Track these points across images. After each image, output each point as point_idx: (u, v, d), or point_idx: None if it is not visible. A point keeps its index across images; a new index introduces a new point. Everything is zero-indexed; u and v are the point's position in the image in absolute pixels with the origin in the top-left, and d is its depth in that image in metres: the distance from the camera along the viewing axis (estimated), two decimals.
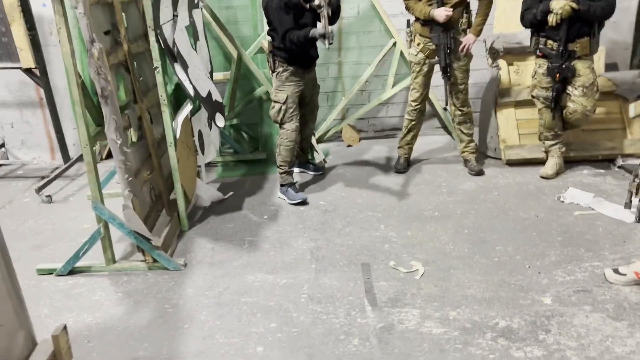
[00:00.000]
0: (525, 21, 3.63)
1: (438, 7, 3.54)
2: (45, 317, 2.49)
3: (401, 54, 4.68)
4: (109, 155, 4.64)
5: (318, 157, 4.37)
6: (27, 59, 3.87)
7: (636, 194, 2.27)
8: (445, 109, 4.78)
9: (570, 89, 3.62)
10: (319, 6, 3.21)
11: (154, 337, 2.35)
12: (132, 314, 2.51)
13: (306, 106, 3.82)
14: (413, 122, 4.04)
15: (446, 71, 3.66)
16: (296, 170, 4.08)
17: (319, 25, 3.31)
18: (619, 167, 3.87)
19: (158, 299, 2.62)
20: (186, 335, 2.34)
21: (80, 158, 4.39)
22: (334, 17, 3.39)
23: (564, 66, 3.54)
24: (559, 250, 2.86)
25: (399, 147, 4.16)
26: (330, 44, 3.21)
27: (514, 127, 4.13)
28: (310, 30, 3.30)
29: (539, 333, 2.24)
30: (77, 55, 2.79)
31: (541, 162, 3.90)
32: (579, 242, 2.94)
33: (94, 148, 2.85)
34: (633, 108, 2.44)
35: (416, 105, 3.97)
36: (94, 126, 2.91)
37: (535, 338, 2.21)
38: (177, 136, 3.13)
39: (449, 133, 4.76)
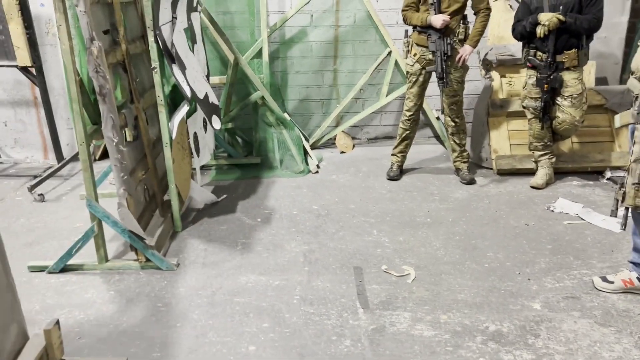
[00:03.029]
0: (516, 33, 3.71)
1: (435, 14, 3.61)
2: (37, 313, 2.48)
3: (396, 63, 4.74)
4: (102, 157, 4.63)
5: (312, 163, 4.40)
6: (23, 57, 3.87)
7: (622, 202, 2.31)
8: (438, 119, 4.85)
9: (559, 99, 3.70)
10: None
11: (146, 335, 2.34)
12: (124, 312, 2.50)
13: None
14: (407, 131, 4.09)
15: (442, 78, 3.71)
16: None
17: None
18: (607, 179, 3.93)
19: (150, 298, 2.62)
20: (178, 334, 2.34)
21: (73, 158, 4.38)
22: None
23: (551, 77, 3.62)
24: (548, 258, 2.90)
25: (392, 155, 4.20)
26: None
27: (506, 138, 4.20)
28: None
29: (528, 337, 2.27)
30: (75, 53, 2.80)
31: (531, 172, 3.96)
32: (568, 250, 2.98)
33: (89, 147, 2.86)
34: (618, 119, 2.50)
35: (410, 115, 4.02)
36: (90, 124, 2.92)
37: (524, 342, 2.24)
38: (173, 137, 3.14)
39: (442, 143, 4.82)
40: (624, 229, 2.39)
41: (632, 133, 2.35)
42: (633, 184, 2.27)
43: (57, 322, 2.11)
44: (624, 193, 2.31)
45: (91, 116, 2.91)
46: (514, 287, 2.64)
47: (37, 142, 4.65)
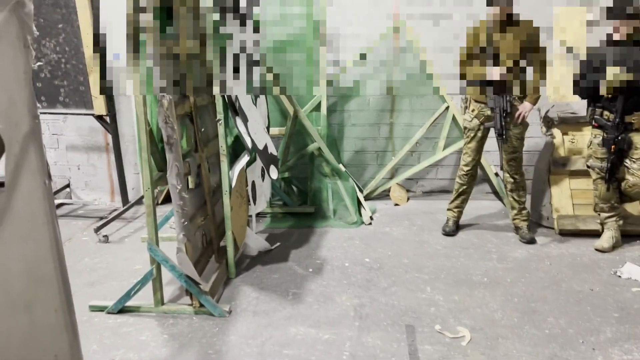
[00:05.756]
0: (579, 91, 3.61)
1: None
2: (94, 353, 2.55)
3: (453, 117, 4.74)
4: (164, 201, 4.82)
5: (365, 214, 4.40)
6: (100, 106, 4.16)
7: None
8: (496, 175, 4.76)
9: (628, 162, 3.55)
10: None
11: None
12: (176, 357, 2.54)
13: None
14: (464, 186, 4.03)
15: (501, 134, 3.67)
16: None
17: None
18: None
19: (202, 344, 2.65)
20: None
21: (138, 201, 4.59)
22: None
23: (619, 138, 3.49)
24: (615, 327, 2.73)
25: (448, 210, 4.14)
26: None
27: (568, 197, 4.05)
28: None
29: None
30: (147, 104, 2.99)
31: (596, 234, 3.78)
32: (637, 319, 2.79)
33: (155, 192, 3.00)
34: None
35: (468, 170, 3.97)
36: (156, 171, 3.07)
37: None
38: (233, 185, 3.24)
39: (500, 199, 4.71)
40: None
41: None
42: None
43: None
44: None
45: (157, 163, 3.07)
46: (576, 357, 2.48)
47: (106, 185, 4.92)
